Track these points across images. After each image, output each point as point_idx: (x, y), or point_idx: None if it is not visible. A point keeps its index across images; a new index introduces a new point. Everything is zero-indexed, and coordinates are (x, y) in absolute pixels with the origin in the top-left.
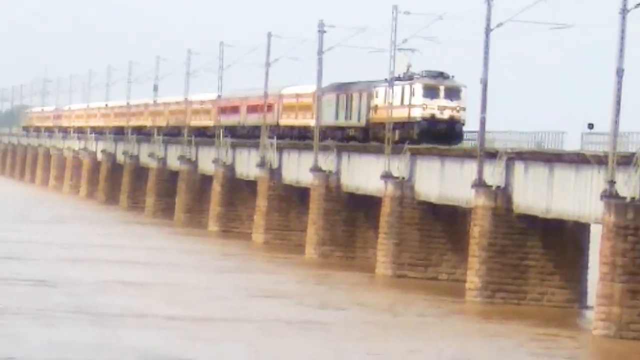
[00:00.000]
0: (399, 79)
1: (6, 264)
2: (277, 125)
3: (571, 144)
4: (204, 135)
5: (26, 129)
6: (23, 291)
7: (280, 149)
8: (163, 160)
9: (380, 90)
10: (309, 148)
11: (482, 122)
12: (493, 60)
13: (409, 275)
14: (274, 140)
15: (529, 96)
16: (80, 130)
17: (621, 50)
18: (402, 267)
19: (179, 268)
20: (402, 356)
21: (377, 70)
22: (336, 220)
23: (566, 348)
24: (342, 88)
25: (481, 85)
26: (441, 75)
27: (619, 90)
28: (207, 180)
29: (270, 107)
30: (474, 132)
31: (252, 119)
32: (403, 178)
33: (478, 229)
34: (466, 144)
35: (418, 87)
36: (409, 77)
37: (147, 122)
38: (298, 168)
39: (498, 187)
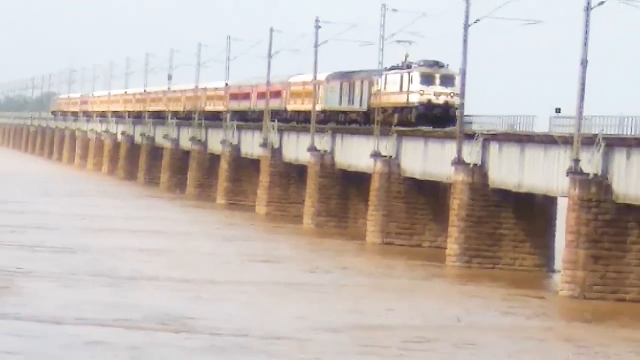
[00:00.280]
0: (397, 67)
1: (32, 233)
2: (285, 110)
3: (541, 127)
4: (217, 119)
5: (54, 113)
6: (45, 257)
7: (280, 131)
8: (176, 141)
9: (381, 78)
10: (306, 130)
11: (461, 107)
12: (473, 52)
13: (395, 242)
14: (275, 123)
15: (505, 84)
16: (102, 115)
17: (585, 44)
18: (390, 235)
19: (188, 236)
20: (379, 314)
21: (369, 60)
22: (330, 194)
23: (535, 307)
24: (345, 76)
25: (460, 75)
26: (437, 64)
27: (583, 78)
28: (215, 158)
29: (278, 94)
30: (468, 115)
31: (262, 105)
32: (390, 156)
33: (457, 202)
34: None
35: (416, 75)
36: (407, 66)
37: (163, 107)
38: (297, 148)
39: (475, 164)
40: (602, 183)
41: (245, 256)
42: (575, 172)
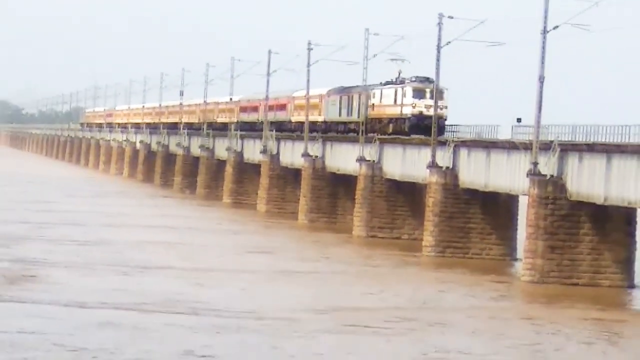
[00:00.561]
0: (391, 82)
1: (58, 229)
2: (290, 121)
3: (504, 134)
4: (226, 129)
5: (83, 125)
6: (69, 249)
7: (278, 139)
8: (187, 149)
9: (377, 91)
10: (300, 139)
11: (435, 118)
12: (446, 70)
13: (378, 235)
14: (274, 132)
15: (473, 97)
16: (124, 126)
17: (542, 62)
18: (373, 229)
19: (196, 231)
20: (361, 297)
21: (355, 77)
22: (322, 194)
23: (500, 290)
24: (344, 90)
25: (435, 90)
26: (427, 79)
27: (540, 92)
28: (221, 163)
29: (284, 107)
30: (453, 125)
31: (269, 116)
32: (374, 161)
33: (432, 200)
34: (447, 135)
35: (408, 89)
36: (401, 81)
37: (179, 119)
38: (292, 154)
39: (447, 167)
40: (557, 183)
41: (245, 248)
42: (534, 173)
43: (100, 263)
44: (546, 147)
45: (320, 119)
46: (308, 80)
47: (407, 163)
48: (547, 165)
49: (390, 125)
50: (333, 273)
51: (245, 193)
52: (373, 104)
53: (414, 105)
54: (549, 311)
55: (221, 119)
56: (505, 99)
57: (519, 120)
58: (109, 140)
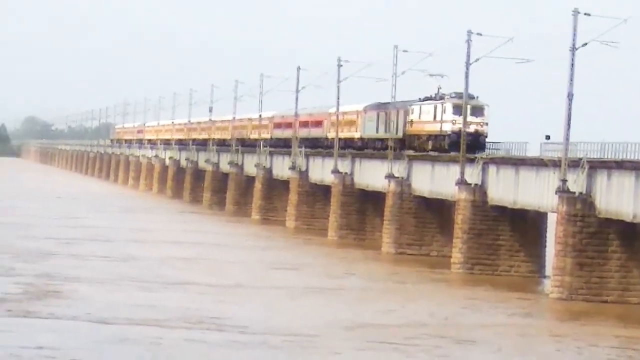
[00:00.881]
0: (431, 98)
1: (85, 244)
2: (326, 138)
3: (533, 151)
4: (254, 145)
5: (112, 141)
6: (95, 265)
7: (307, 156)
8: (216, 165)
9: (416, 107)
10: (330, 155)
11: (463, 135)
12: (474, 87)
13: (407, 252)
14: (303, 149)
15: (501, 114)
16: (153, 142)
17: (571, 79)
18: (402, 246)
19: (222, 247)
20: (382, 314)
21: (384, 95)
22: (351, 210)
23: (528, 307)
24: (382, 106)
25: (464, 106)
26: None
27: (569, 109)
28: (250, 180)
29: (320, 123)
30: (495, 142)
31: (304, 133)
32: (402, 178)
33: (460, 217)
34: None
35: (448, 106)
36: (440, 97)
37: (208, 135)
38: (322, 170)
39: (476, 184)
40: (586, 200)
41: (272, 264)
42: (563, 190)
43: (126, 279)
44: (575, 164)
45: (357, 135)
46: (338, 97)
47: (436, 180)
48: (576, 182)
49: (430, 142)
50: (359, 289)
51: (274, 209)
52: (412, 120)
53: (454, 121)
54: (575, 329)
55: (254, 135)
56: (534, 116)
57: (547, 137)
58: (138, 157)
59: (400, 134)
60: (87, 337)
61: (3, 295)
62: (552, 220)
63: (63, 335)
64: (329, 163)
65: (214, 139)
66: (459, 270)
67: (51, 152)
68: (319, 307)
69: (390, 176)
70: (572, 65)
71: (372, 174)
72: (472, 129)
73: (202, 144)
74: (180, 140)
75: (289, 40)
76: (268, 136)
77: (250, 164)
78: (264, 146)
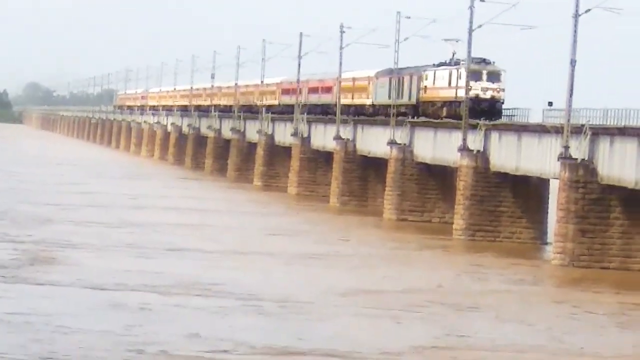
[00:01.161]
0: (445, 64)
1: (82, 210)
2: (336, 104)
3: (535, 118)
4: (270, 112)
5: (116, 107)
6: (92, 231)
7: (309, 122)
8: (219, 131)
9: (430, 73)
10: (332, 121)
11: (466, 102)
12: (477, 53)
13: (409, 219)
14: (305, 115)
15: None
16: (158, 108)
17: (574, 46)
18: (404, 212)
19: (222, 213)
20: (381, 280)
21: (387, 61)
22: (353, 177)
23: (531, 274)
24: (394, 72)
25: (467, 72)
26: (484, 61)
27: (572, 76)
28: (252, 146)
29: (329, 89)
30: (511, 108)
31: (313, 99)
32: (404, 144)
33: (462, 183)
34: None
35: (464, 71)
36: (455, 63)
37: (212, 102)
38: (324, 137)
39: (478, 151)
40: (588, 167)
41: (271, 230)
42: (565, 157)
43: (122, 245)
44: (577, 131)
45: (368, 102)
46: (340, 63)
47: (438, 146)
48: (578, 149)
49: (444, 108)
50: (358, 256)
51: (276, 176)
52: (425, 87)
53: (470, 87)
54: (575, 295)
55: (261, 101)
56: (537, 83)
57: (550, 103)
58: (140, 123)
59: (413, 101)
60: (78, 303)
61: None
62: (554, 186)
63: (54, 302)
64: (331, 129)
65: (218, 105)
66: (460, 237)
67: (53, 119)
68: (315, 273)
69: (392, 142)
70: (575, 31)
71: (375, 141)
72: (488, 95)
73: (206, 111)
74: (184, 106)
75: (291, 6)
76: (276, 102)
77: (253, 131)
78: (273, 113)
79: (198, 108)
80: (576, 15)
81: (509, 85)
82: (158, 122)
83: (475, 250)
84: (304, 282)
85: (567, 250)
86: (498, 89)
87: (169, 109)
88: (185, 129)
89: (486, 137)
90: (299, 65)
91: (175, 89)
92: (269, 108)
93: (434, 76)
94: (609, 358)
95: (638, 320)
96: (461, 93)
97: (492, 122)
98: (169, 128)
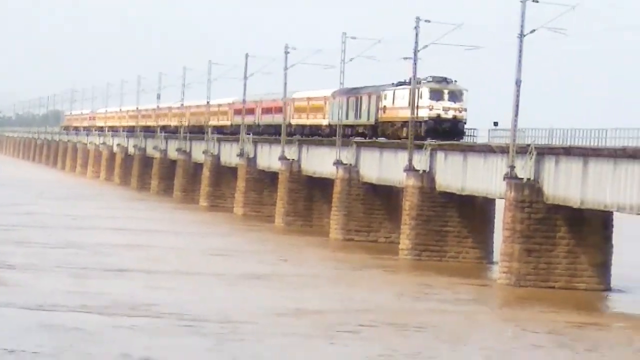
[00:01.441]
0: (405, 83)
1: (23, 231)
2: (289, 125)
3: (481, 138)
4: (223, 133)
5: (64, 128)
6: (31, 252)
7: (255, 143)
8: (164, 152)
9: (389, 92)
10: (277, 142)
11: (412, 122)
12: (423, 74)
13: (355, 239)
14: (250, 136)
15: None
16: (109, 129)
17: (519, 66)
18: (350, 232)
19: (165, 234)
20: (323, 300)
21: (333, 81)
22: (298, 197)
23: (477, 293)
24: (352, 91)
25: (411, 93)
26: (445, 80)
27: (517, 96)
28: (198, 166)
29: (281, 109)
30: (473, 129)
31: (267, 119)
32: (350, 164)
33: (408, 203)
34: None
35: (425, 90)
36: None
37: (173, 122)
38: (269, 157)
39: (424, 171)
40: (534, 186)
41: (214, 251)
42: (511, 177)
43: (63, 266)
44: (523, 150)
45: (324, 122)
46: (285, 84)
47: (384, 166)
48: (524, 168)
49: (404, 129)
50: (302, 276)
51: (222, 196)
52: (385, 106)
53: (431, 107)
54: (519, 315)
55: (213, 121)
56: (483, 103)
57: (495, 124)
58: (86, 144)
59: (372, 121)
60: (11, 323)
61: None
62: (500, 206)
63: None
64: (277, 150)
65: (168, 126)
66: (406, 257)
67: None
68: (256, 294)
69: (338, 163)
70: (520, 51)
71: (320, 161)
72: (450, 114)
73: (155, 132)
74: (133, 127)
75: (236, 27)
76: (228, 123)
77: (199, 151)
78: (225, 133)
79: (147, 129)
80: (521, 35)
81: None
82: (104, 143)
83: (421, 270)
84: (244, 303)
85: (513, 269)
86: (460, 109)
87: (114, 130)
88: (131, 150)
89: (432, 157)
90: (245, 86)
91: (120, 109)
92: (221, 128)
93: (394, 95)
94: None
95: (578, 340)
96: (422, 113)
97: (437, 142)
98: (115, 149)
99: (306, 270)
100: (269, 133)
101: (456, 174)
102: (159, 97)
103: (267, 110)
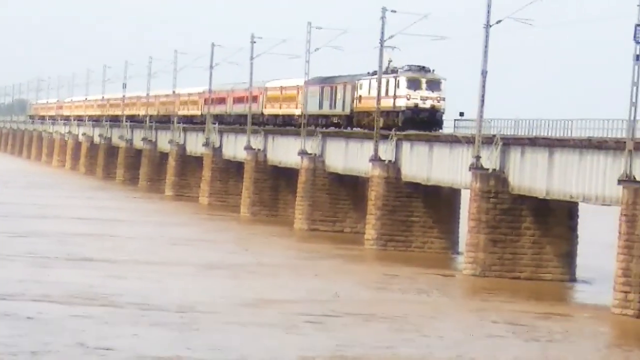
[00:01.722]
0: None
1: None
2: (262, 114)
3: (446, 128)
4: (192, 122)
5: (31, 117)
6: None
7: (221, 132)
8: (130, 141)
9: (365, 82)
10: (243, 131)
11: (377, 112)
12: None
13: (320, 229)
14: (216, 125)
15: None
16: (77, 118)
17: (485, 56)
18: (315, 222)
19: (129, 223)
20: (286, 290)
21: (297, 71)
22: (264, 187)
23: (442, 283)
24: (326, 81)
25: (376, 84)
26: (423, 69)
27: (483, 86)
28: (164, 156)
29: (255, 98)
30: (468, 119)
31: (238, 109)
32: (315, 154)
33: (374, 193)
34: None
35: (402, 80)
36: (392, 71)
37: (136, 111)
38: (235, 147)
39: (390, 161)
40: (499, 177)
41: (175, 240)
42: (476, 167)
43: (23, 255)
44: (489, 141)
45: (297, 112)
46: (251, 74)
47: (349, 156)
48: (490, 159)
49: (381, 119)
50: (264, 266)
51: (187, 186)
52: (360, 96)
53: (408, 96)
54: (483, 304)
55: (183, 111)
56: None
57: (461, 114)
58: (51, 133)
59: (347, 111)
60: None
61: None
62: (465, 197)
63: None
64: (242, 139)
65: (137, 115)
66: (372, 247)
67: None
68: (217, 283)
69: (303, 153)
70: (486, 42)
71: (285, 151)
72: (428, 104)
73: (136, 120)
74: (101, 116)
75: (202, 16)
76: (199, 113)
77: (164, 141)
78: (195, 123)
79: (115, 118)
80: (487, 26)
81: None
82: (69, 132)
83: (386, 260)
84: (205, 292)
85: (478, 260)
86: (438, 98)
87: (81, 119)
88: (96, 139)
89: (398, 148)
90: (211, 75)
91: (86, 98)
92: (191, 118)
93: (369, 85)
94: None
95: (536, 330)
96: (400, 102)
97: (403, 133)
98: (81, 138)
99: (269, 259)
100: (241, 123)
101: (422, 164)
102: (124, 86)
103: (238, 100)
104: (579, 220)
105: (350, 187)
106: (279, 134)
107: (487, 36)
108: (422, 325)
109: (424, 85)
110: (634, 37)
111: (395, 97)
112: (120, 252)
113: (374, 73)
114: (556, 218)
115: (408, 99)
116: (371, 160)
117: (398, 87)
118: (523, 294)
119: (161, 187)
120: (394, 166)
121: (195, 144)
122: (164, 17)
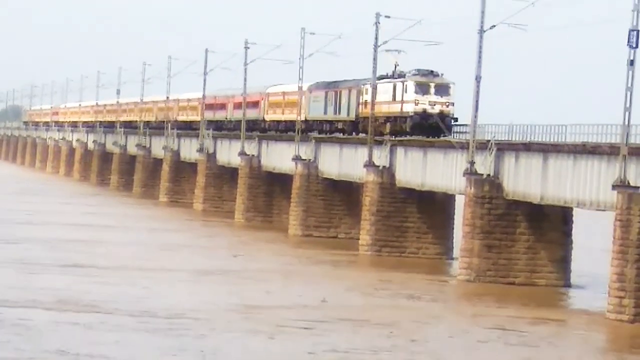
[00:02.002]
0: (387, 76)
1: None
2: (263, 120)
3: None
4: (191, 128)
5: (26, 123)
6: None
7: (214, 138)
8: (124, 147)
9: (370, 87)
10: (237, 137)
11: (371, 117)
12: (384, 70)
13: (314, 234)
14: (211, 131)
15: None
16: (60, 124)
17: (479, 62)
18: (309, 228)
19: (121, 229)
20: (280, 296)
21: (293, 77)
22: (258, 193)
23: (436, 289)
24: (331, 85)
25: (371, 89)
26: (431, 73)
27: (477, 91)
28: (158, 162)
29: (256, 104)
30: (462, 125)
31: (239, 115)
32: (310, 160)
33: (368, 199)
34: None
35: (410, 84)
36: (399, 75)
37: (132, 117)
38: (229, 152)
39: (384, 166)
40: (494, 182)
41: (167, 246)
42: (470, 172)
43: (12, 261)
44: (483, 146)
45: (301, 117)
46: (245, 79)
47: (344, 162)
48: (484, 164)
49: (388, 124)
50: (258, 271)
51: (181, 192)
52: (365, 101)
53: (416, 101)
54: (476, 310)
55: (182, 117)
56: None
57: (455, 119)
58: (46, 139)
59: (352, 116)
60: None
61: None
62: (460, 202)
63: None
64: (237, 145)
65: (134, 122)
66: (366, 252)
67: None
68: (207, 289)
69: (297, 158)
70: (480, 47)
71: (279, 156)
72: (436, 109)
73: (131, 127)
74: (104, 122)
75: (196, 22)
76: (198, 118)
77: (158, 147)
78: (194, 128)
79: (110, 124)
80: (481, 31)
81: None
82: (63, 138)
83: (380, 266)
84: (194, 298)
85: (472, 265)
86: (447, 103)
87: (74, 125)
88: (90, 145)
89: (392, 153)
90: (205, 81)
91: (80, 105)
92: (191, 124)
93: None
94: None
95: (527, 336)
96: (407, 107)
97: (397, 138)
98: (75, 144)
99: (262, 265)
100: (239, 129)
101: (416, 169)
102: (118, 92)
103: (239, 106)
104: (573, 225)
105: (344, 192)
106: (273, 140)
107: (480, 41)
108: (413, 331)
109: (432, 90)
110: (628, 42)
111: (402, 102)
112: (113, 258)
113: (380, 77)
114: (551, 223)
115: (416, 104)
116: (365, 165)
117: (406, 91)
118: (517, 300)
119: (155, 193)
120: (388, 172)
121: (189, 150)
122: (157, 23)
